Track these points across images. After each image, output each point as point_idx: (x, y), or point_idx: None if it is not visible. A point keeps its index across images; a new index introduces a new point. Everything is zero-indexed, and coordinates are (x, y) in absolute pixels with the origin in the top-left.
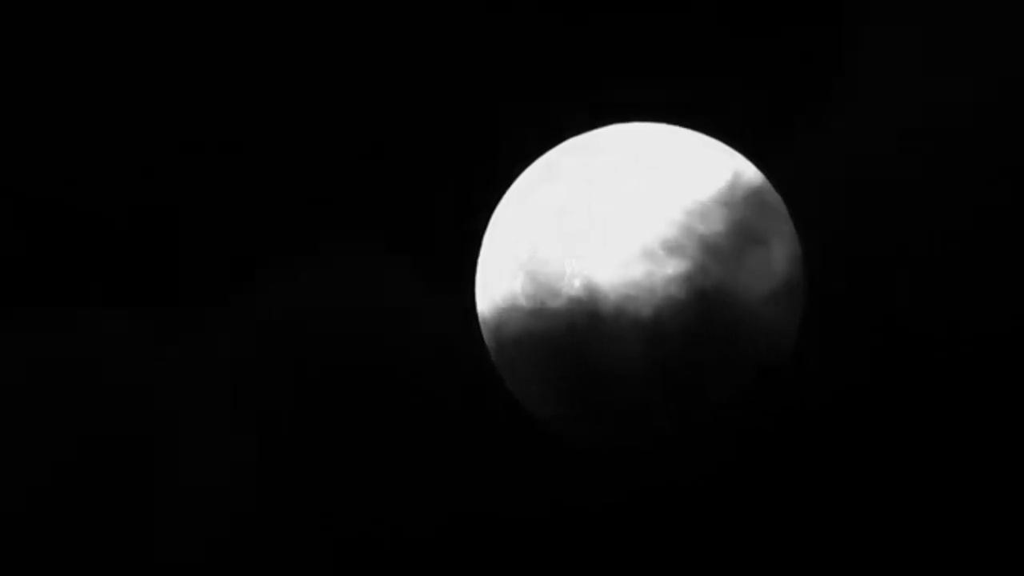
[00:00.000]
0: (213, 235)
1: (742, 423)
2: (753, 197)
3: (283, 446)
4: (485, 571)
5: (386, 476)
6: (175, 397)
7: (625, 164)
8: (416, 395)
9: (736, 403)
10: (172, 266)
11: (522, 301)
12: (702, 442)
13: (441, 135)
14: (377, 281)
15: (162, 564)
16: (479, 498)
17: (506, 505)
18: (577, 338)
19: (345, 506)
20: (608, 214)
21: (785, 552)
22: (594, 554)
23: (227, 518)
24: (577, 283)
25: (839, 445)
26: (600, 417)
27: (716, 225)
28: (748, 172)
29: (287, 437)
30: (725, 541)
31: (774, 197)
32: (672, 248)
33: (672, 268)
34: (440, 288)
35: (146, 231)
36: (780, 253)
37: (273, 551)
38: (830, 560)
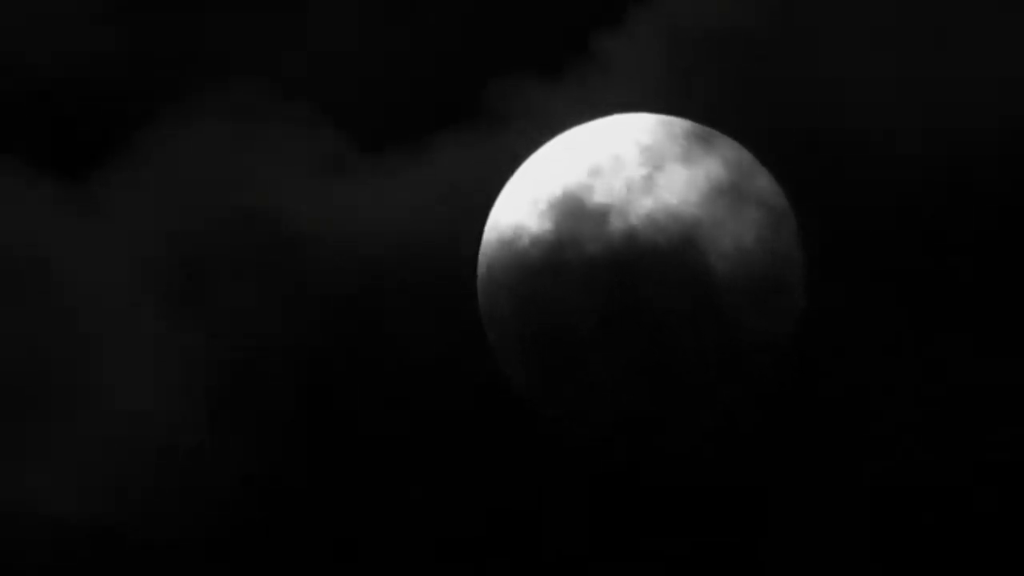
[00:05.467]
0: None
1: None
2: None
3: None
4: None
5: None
6: (82, 267)
7: (624, 152)
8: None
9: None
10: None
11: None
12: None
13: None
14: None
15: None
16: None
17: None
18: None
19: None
20: (608, 200)
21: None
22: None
23: (149, 393)
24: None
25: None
26: (574, 386)
27: (719, 212)
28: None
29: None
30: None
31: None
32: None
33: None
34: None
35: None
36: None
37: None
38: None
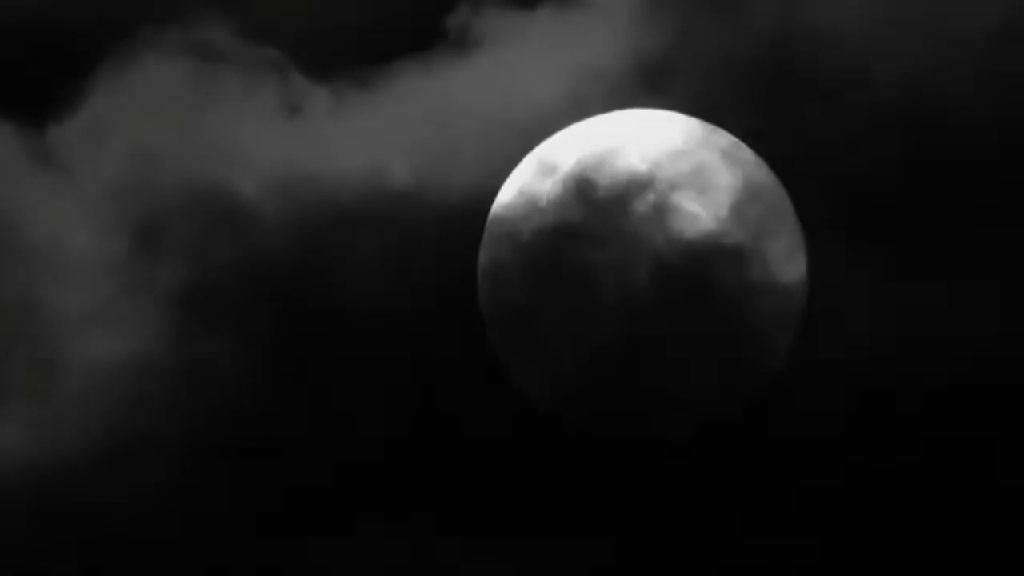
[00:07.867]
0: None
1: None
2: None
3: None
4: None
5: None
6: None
7: (624, 145)
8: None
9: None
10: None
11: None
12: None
13: None
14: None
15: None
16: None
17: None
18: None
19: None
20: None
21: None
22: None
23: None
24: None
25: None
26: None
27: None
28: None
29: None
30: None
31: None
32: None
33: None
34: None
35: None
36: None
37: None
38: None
